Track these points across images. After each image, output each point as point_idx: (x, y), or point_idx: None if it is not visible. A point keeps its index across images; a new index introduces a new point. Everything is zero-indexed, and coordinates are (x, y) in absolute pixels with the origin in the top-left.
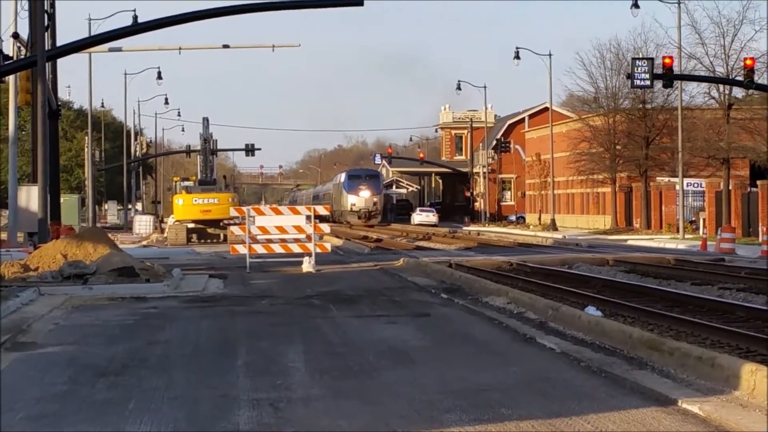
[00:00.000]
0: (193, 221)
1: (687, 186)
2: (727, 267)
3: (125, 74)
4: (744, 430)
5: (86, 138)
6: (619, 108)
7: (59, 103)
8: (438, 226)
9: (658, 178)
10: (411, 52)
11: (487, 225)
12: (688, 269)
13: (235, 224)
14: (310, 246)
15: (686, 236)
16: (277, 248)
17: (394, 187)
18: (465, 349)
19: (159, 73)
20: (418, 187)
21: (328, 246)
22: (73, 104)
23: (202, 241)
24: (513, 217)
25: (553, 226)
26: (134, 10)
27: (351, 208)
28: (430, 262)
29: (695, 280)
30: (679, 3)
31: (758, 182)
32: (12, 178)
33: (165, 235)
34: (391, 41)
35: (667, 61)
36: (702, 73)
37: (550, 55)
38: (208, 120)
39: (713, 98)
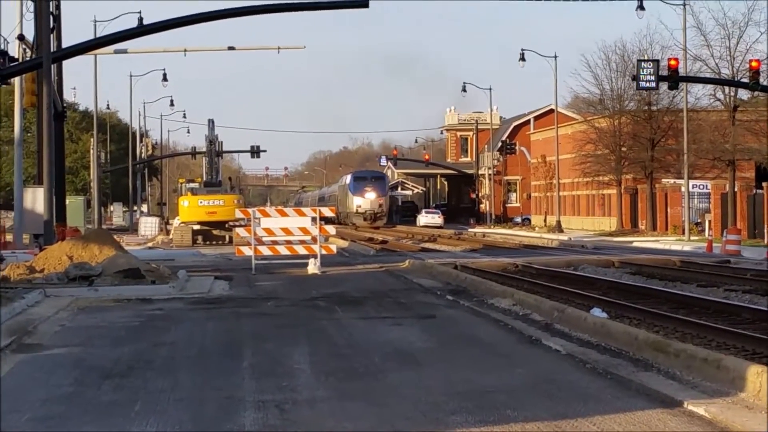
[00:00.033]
0: (199, 223)
1: (692, 188)
2: (732, 269)
3: (131, 76)
4: None
5: (92, 140)
6: (624, 110)
7: (65, 104)
8: (443, 228)
9: (663, 180)
10: (416, 53)
11: (492, 227)
12: (693, 271)
13: (240, 226)
14: (316, 248)
15: (692, 238)
16: (283, 250)
17: (399, 188)
18: (470, 350)
19: (164, 74)
20: (424, 189)
21: (334, 248)
22: (79, 106)
23: (208, 242)
24: (518, 219)
25: (558, 228)
26: (139, 12)
27: (356, 210)
28: (436, 264)
29: (701, 281)
30: (684, 5)
31: (764, 184)
32: (18, 180)
33: (170, 236)
34: (397, 43)
35: (673, 62)
36: (707, 75)
37: (555, 57)
38: (213, 122)
39: (719, 100)
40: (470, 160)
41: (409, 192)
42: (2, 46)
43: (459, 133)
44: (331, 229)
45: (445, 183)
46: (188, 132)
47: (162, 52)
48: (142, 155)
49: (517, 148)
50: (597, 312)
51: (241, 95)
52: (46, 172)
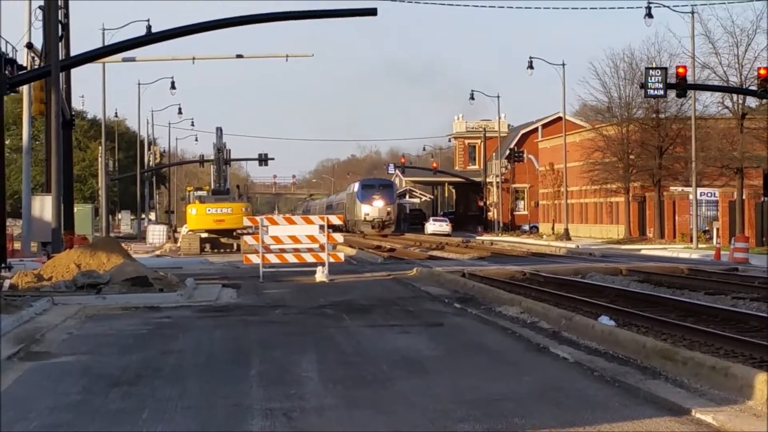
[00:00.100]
0: (207, 231)
1: (700, 195)
2: (740, 276)
3: (139, 84)
4: None
5: (100, 148)
6: (632, 117)
7: (73, 112)
8: (451, 236)
9: (671, 188)
10: (424, 62)
11: (500, 234)
12: (701, 279)
13: (248, 234)
14: (324, 255)
15: (700, 246)
16: (291, 258)
17: (407, 196)
18: (478, 358)
19: (173, 83)
20: (432, 197)
21: (342, 256)
22: (87, 114)
23: (216, 250)
24: (526, 227)
25: (566, 236)
26: (148, 20)
27: (364, 218)
28: (444, 272)
29: (709, 289)
30: (692, 13)
31: None
32: (26, 187)
33: (178, 244)
34: (405, 51)
35: (681, 70)
36: (715, 83)
37: (563, 64)
38: (221, 130)
39: (727, 108)
40: (478, 167)
41: (417, 200)
42: (11, 55)
43: (467, 141)
44: (338, 237)
45: (453, 191)
46: (196, 140)
47: (170, 60)
48: (150, 163)
49: (525, 155)
50: (605, 320)
51: (249, 103)
52: (54, 180)
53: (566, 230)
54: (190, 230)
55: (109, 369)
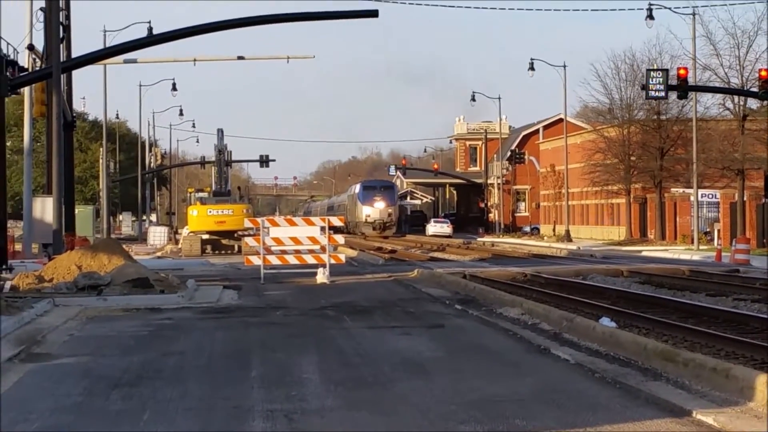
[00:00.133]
0: (208, 232)
1: (701, 197)
2: (741, 278)
3: (140, 86)
4: None
5: (101, 149)
6: (633, 119)
7: (74, 114)
8: (452, 237)
9: (672, 189)
10: (426, 63)
11: (501, 236)
12: (702, 280)
13: (249, 235)
14: (325, 257)
15: (701, 247)
16: (292, 259)
17: (408, 198)
18: (479, 360)
19: (174, 84)
20: (433, 198)
21: (343, 257)
22: (88, 115)
23: (217, 252)
24: (527, 228)
25: (567, 237)
26: (149, 22)
27: (366, 219)
28: (445, 273)
29: (710, 291)
30: (693, 14)
31: None
32: (27, 189)
33: (179, 246)
34: (406, 52)
35: (682, 72)
36: (717, 84)
37: (564, 66)
38: (222, 131)
39: (728, 109)
40: (479, 169)
41: (418, 201)
42: (12, 56)
43: (468, 143)
44: (340, 238)
45: (454, 192)
46: (197, 141)
47: (172, 61)
48: (151, 165)
49: (526, 157)
50: (606, 321)
51: (250, 105)
52: (56, 182)
53: (567, 232)
54: (191, 232)
55: (110, 370)
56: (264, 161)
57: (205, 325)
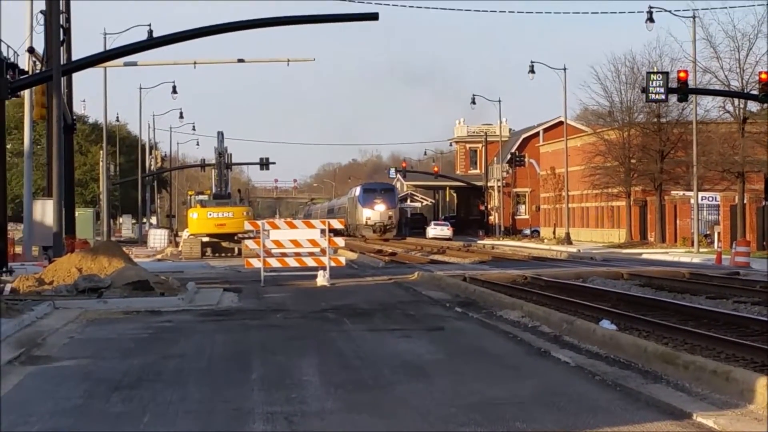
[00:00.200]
0: (208, 235)
1: (702, 200)
2: (741, 281)
3: (140, 88)
4: None
5: (101, 152)
6: (633, 122)
7: (74, 117)
8: (452, 240)
9: (672, 192)
10: (426, 66)
11: (501, 239)
12: (702, 283)
13: (249, 238)
14: (325, 260)
15: (701, 250)
16: (292, 262)
17: (408, 200)
18: (479, 362)
19: (174, 87)
20: (433, 201)
21: (343, 260)
22: (88, 118)
23: (217, 254)
24: (527, 231)
25: (567, 240)
26: (149, 25)
27: (366, 222)
28: (445, 276)
29: (710, 293)
30: (693, 17)
31: None
32: (27, 192)
33: (179, 248)
34: (406, 55)
35: (682, 75)
36: (717, 87)
37: (564, 69)
38: (222, 134)
39: (728, 112)
40: (479, 172)
41: (418, 204)
42: (12, 59)
43: (468, 146)
44: (340, 241)
45: (455, 195)
46: (197, 144)
47: (172, 64)
48: (152, 167)
49: (526, 160)
50: (606, 324)
51: (250, 107)
52: (56, 184)
53: (567, 234)
54: (191, 234)
55: (110, 373)
56: (264, 164)
57: (205, 327)
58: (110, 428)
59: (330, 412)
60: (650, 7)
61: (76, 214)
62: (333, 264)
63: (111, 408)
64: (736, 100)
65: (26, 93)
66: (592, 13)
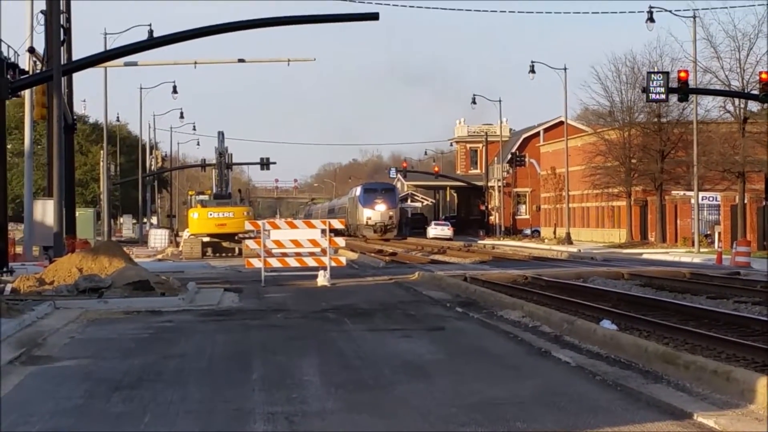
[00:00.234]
0: (208, 235)
1: (702, 200)
2: (742, 280)
3: (141, 88)
4: None
5: (101, 152)
6: (634, 122)
7: (75, 117)
8: (453, 240)
9: (673, 192)
10: (426, 66)
11: (502, 239)
12: (703, 283)
13: (250, 238)
14: (325, 260)
15: (701, 250)
16: (292, 262)
17: (409, 200)
18: (480, 362)
19: (174, 87)
20: (433, 201)
21: (343, 260)
22: (89, 118)
23: (217, 254)
24: (528, 231)
25: (568, 240)
26: (150, 25)
27: (366, 222)
28: (445, 276)
29: (710, 293)
30: (694, 17)
31: None
32: (28, 192)
33: (180, 248)
34: (407, 55)
35: (683, 75)
36: (717, 87)
37: (565, 69)
38: (223, 134)
39: (728, 112)
40: (480, 172)
41: (418, 204)
42: (13, 59)
43: (468, 145)
44: (340, 241)
45: (455, 195)
46: (198, 144)
47: (172, 64)
48: (152, 167)
49: (526, 160)
50: (606, 324)
51: (251, 107)
52: (56, 185)
53: (568, 234)
54: (191, 234)
55: (110, 373)
56: (264, 164)
57: (206, 327)
58: (111, 428)
59: (331, 412)
60: (650, 7)
61: (77, 214)
62: (333, 264)
63: (112, 408)
64: (736, 100)
65: (27, 93)
66: (593, 13)
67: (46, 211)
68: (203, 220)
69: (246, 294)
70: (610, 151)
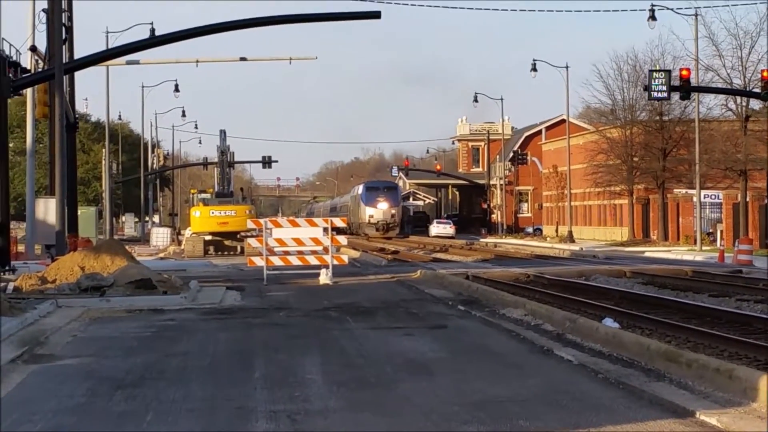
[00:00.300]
0: (210, 233)
1: (704, 198)
2: (744, 279)
3: (142, 87)
4: None
5: (103, 150)
6: (636, 120)
7: (76, 115)
8: (455, 238)
9: (675, 190)
10: (428, 64)
11: (504, 237)
12: (705, 281)
13: (252, 236)
14: (327, 258)
15: (703, 248)
16: (294, 260)
17: (411, 199)
18: (482, 361)
19: (176, 85)
20: (435, 199)
21: (345, 258)
22: (91, 117)
23: (219, 253)
24: (530, 229)
25: (570, 238)
26: (151, 23)
27: (369, 220)
28: (447, 274)
29: (713, 291)
30: (696, 15)
31: None
32: (30, 190)
33: (182, 247)
34: (409, 53)
35: (684, 73)
36: (719, 85)
37: (567, 67)
38: (225, 132)
39: (730, 110)
40: (482, 170)
41: (420, 202)
42: (15, 57)
43: (470, 144)
44: (342, 239)
45: (457, 193)
46: (200, 142)
47: (174, 62)
48: (154, 166)
49: (528, 158)
50: (609, 322)
51: (252, 106)
52: (58, 183)
53: (570, 232)
54: (193, 233)
55: (113, 371)
56: (266, 162)
57: (208, 326)
58: (113, 427)
59: (333, 411)
60: (652, 6)
61: (79, 212)
62: (336, 262)
63: (114, 406)
64: (738, 98)
65: (29, 91)
66: (595, 11)
67: (48, 210)
68: (205, 218)
69: (248, 292)
70: (612, 149)
